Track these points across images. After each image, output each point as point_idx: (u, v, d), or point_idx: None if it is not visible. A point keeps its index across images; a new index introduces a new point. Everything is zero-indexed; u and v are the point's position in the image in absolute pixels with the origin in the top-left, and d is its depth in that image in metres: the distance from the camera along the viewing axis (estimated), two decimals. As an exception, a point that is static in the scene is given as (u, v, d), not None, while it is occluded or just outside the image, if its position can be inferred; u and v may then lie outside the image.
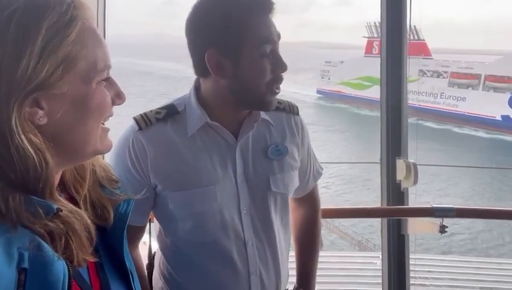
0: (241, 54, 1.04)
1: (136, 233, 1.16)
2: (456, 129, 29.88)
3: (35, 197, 0.56)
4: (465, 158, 22.80)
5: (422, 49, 33.16)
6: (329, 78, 39.96)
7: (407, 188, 2.19)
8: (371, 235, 13.74)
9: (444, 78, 32.74)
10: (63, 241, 0.58)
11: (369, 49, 35.65)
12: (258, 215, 1.15)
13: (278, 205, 1.19)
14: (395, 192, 2.16)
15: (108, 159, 1.11)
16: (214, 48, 1.03)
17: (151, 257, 1.31)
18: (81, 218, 0.61)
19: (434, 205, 1.83)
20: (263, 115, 1.16)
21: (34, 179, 0.56)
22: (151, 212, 1.18)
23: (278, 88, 1.08)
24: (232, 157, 1.12)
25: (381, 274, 2.21)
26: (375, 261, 3.40)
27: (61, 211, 0.58)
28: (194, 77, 1.15)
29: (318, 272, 1.37)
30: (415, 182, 2.11)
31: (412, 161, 2.14)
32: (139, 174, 1.08)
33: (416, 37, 34.16)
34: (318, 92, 40.51)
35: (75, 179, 0.71)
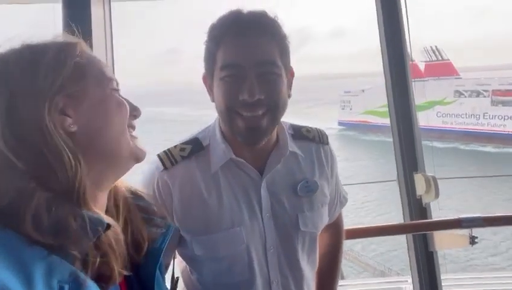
0: (213, 78, 1.02)
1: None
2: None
3: (85, 211, 0.59)
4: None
5: (448, 69, 32.24)
6: (351, 109, 37.76)
7: (429, 203, 2.13)
8: (391, 263, 13.28)
9: (484, 97, 30.80)
10: (97, 262, 0.59)
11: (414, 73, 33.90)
12: (284, 254, 1.08)
13: (306, 244, 1.12)
14: (417, 208, 2.09)
15: None
16: (205, 71, 1.05)
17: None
18: (120, 238, 0.64)
19: (460, 216, 1.76)
20: (291, 147, 1.10)
21: (71, 182, 0.59)
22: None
23: (246, 113, 0.97)
24: (257, 194, 1.06)
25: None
26: (403, 287, 3.25)
27: (110, 227, 0.61)
28: (196, 118, 1.13)
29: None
30: (437, 196, 2.05)
31: (431, 174, 2.10)
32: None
33: (439, 58, 33.25)
34: (340, 123, 38.12)
35: (113, 203, 0.74)
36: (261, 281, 1.06)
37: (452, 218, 1.77)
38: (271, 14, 1.01)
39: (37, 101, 0.60)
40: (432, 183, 2.05)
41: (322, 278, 1.30)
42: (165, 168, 1.04)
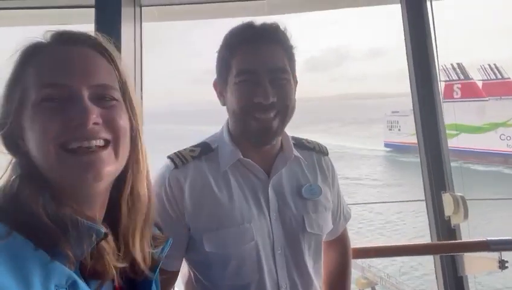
0: (227, 83, 1.08)
1: (170, 279, 1.13)
2: None
3: (85, 220, 0.60)
4: None
5: (510, 89, 30.01)
6: (399, 129, 35.34)
7: (459, 225, 2.02)
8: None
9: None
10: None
11: (448, 93, 31.50)
12: (292, 256, 1.10)
13: (311, 247, 1.14)
14: (445, 229, 1.99)
15: None
16: (217, 76, 1.12)
17: None
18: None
19: (489, 238, 1.66)
20: (295, 152, 1.16)
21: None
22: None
23: (259, 115, 1.04)
24: (265, 195, 1.10)
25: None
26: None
27: (107, 236, 0.62)
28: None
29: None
30: (466, 216, 1.94)
31: (460, 194, 2.00)
32: (175, 213, 1.07)
33: (499, 76, 31.33)
34: (387, 145, 35.79)
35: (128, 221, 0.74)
36: (270, 285, 1.07)
37: (479, 240, 1.67)
38: (281, 25, 1.09)
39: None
40: (461, 204, 1.94)
41: None
42: (176, 166, 1.09)
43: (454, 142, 27.52)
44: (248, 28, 1.07)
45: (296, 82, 1.15)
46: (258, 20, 1.09)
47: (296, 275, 1.10)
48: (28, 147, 0.65)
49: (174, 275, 1.15)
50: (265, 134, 1.06)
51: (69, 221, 0.59)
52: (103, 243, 0.63)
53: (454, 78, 31.81)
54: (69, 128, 0.63)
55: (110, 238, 0.65)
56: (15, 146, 0.67)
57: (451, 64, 32.11)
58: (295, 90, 1.14)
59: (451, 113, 26.79)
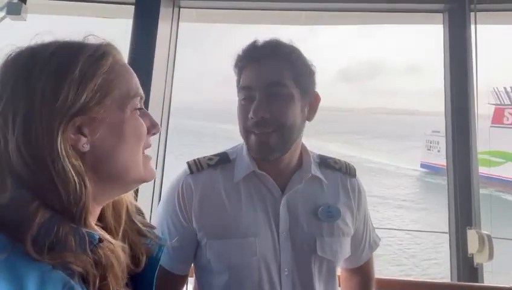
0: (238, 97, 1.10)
1: (178, 282, 1.14)
2: None
3: (79, 227, 0.58)
4: None
5: None
6: (438, 151, 31.71)
7: (482, 264, 1.92)
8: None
9: None
10: (97, 280, 0.59)
11: (497, 118, 28.65)
12: (300, 279, 1.05)
13: (323, 272, 1.09)
14: (466, 267, 1.90)
15: (159, 204, 1.15)
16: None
17: None
18: (116, 251, 0.63)
19: (514, 286, 1.56)
20: (314, 171, 1.12)
21: (74, 204, 0.59)
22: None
23: (255, 130, 1.05)
24: (275, 212, 1.08)
25: None
26: None
27: (102, 241, 0.60)
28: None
29: None
30: (491, 257, 1.85)
31: (486, 232, 1.90)
32: (184, 218, 1.08)
33: None
34: (423, 166, 32.31)
35: (113, 216, 0.74)
36: None
37: (504, 286, 1.57)
38: (286, 41, 1.08)
39: (52, 120, 0.59)
40: (487, 243, 1.85)
41: None
42: (191, 172, 1.11)
43: (499, 170, 24.84)
44: (251, 47, 1.08)
45: (316, 100, 1.12)
46: (270, 36, 1.09)
47: None
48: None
49: (182, 279, 1.14)
50: (263, 148, 1.05)
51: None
52: (102, 250, 0.61)
53: (506, 102, 29.03)
54: None
55: (110, 245, 0.64)
56: None
57: (504, 88, 29.41)
58: (314, 109, 1.12)
59: (499, 139, 24.80)
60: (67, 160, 0.59)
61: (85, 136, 0.63)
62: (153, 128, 0.73)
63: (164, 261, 1.07)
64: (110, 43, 0.69)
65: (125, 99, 0.67)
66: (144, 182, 0.71)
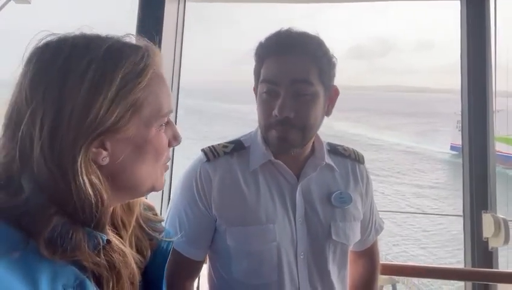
0: (257, 90, 1.08)
1: (194, 268, 1.15)
2: None
3: (91, 229, 0.58)
4: None
5: None
6: None
7: (497, 249, 1.88)
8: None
9: None
10: (110, 282, 0.59)
11: None
12: (315, 262, 1.10)
13: (336, 255, 1.13)
14: (481, 252, 1.86)
15: (174, 190, 1.16)
16: (255, 82, 1.10)
17: None
18: (126, 257, 0.63)
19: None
20: (327, 159, 1.16)
21: (89, 215, 0.58)
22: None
23: (279, 128, 1.03)
24: (292, 198, 1.11)
25: None
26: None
27: (110, 242, 0.60)
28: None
29: None
30: (507, 241, 1.81)
31: (502, 216, 1.85)
32: (203, 205, 1.09)
33: None
34: (453, 148, 29.53)
35: (124, 212, 0.73)
36: (290, 289, 1.07)
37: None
38: (312, 33, 1.05)
39: (78, 138, 0.57)
40: (503, 226, 1.81)
41: None
42: (208, 160, 1.11)
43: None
44: (276, 37, 1.05)
45: (335, 94, 1.11)
46: (293, 25, 1.07)
47: (318, 281, 1.10)
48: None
49: (198, 265, 1.16)
50: (282, 143, 1.06)
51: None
52: (111, 250, 0.62)
53: (536, 82, 27.95)
54: None
55: (119, 245, 0.64)
56: None
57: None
58: (333, 103, 1.12)
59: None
60: (86, 178, 0.57)
61: (106, 149, 0.61)
62: (174, 140, 0.71)
63: (181, 246, 1.09)
64: (153, 48, 0.66)
65: (155, 117, 0.65)
66: (154, 191, 0.71)
